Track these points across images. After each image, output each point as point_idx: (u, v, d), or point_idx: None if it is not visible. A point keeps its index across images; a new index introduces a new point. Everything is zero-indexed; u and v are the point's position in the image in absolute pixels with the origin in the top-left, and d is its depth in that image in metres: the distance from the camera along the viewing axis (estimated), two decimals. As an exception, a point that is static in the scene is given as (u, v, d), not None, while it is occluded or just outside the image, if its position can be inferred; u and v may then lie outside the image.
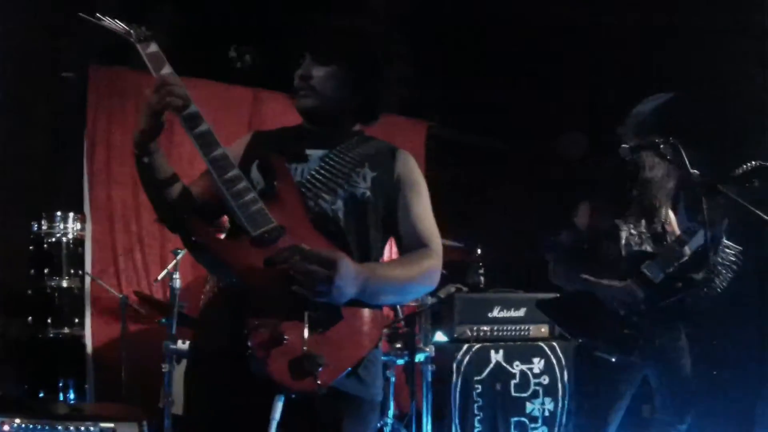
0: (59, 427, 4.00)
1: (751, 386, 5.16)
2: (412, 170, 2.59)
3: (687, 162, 3.48)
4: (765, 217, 3.45)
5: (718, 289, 3.84)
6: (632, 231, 4.08)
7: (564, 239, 4.20)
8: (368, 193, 2.46)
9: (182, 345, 4.76)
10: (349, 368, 2.22)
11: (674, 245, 3.95)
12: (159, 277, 5.36)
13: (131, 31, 2.40)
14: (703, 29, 5.37)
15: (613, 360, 3.88)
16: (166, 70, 2.33)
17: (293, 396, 2.13)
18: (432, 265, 2.45)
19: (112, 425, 4.05)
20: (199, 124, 2.30)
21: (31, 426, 3.96)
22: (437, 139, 7.41)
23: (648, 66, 5.70)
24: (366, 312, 2.30)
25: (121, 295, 5.53)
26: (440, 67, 6.61)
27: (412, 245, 2.49)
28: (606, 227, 4.09)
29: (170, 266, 5.09)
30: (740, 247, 3.88)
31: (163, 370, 4.67)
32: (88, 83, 6.06)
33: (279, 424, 2.12)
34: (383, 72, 2.56)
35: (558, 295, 4.35)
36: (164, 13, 6.06)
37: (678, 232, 4.12)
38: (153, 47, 2.37)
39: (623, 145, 3.79)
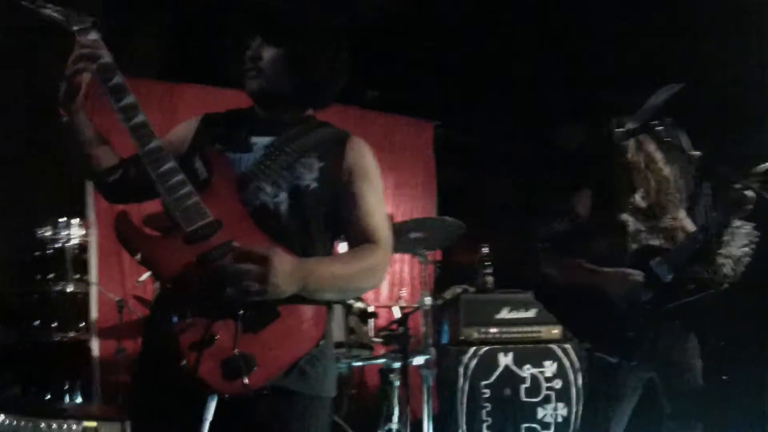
0: (42, 425, 4.10)
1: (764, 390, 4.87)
2: (364, 159, 2.45)
3: (685, 143, 3.28)
4: None
5: (739, 274, 3.59)
6: (640, 225, 3.84)
7: (561, 227, 3.96)
8: (314, 184, 2.33)
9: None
10: (284, 368, 2.15)
11: (686, 242, 3.70)
12: (141, 279, 5.28)
13: (68, 18, 2.33)
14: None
15: (614, 361, 3.67)
16: (107, 57, 2.29)
17: (226, 396, 2.08)
18: (378, 262, 2.34)
19: (94, 424, 4.12)
20: (135, 114, 2.25)
21: (15, 423, 4.04)
22: (444, 140, 7.30)
23: (647, 60, 5.51)
24: (306, 309, 2.20)
25: (117, 299, 5.49)
26: (442, 67, 6.49)
27: (359, 240, 2.37)
28: (610, 218, 3.85)
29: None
30: (753, 224, 3.62)
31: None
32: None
33: (215, 424, 2.09)
34: (333, 55, 2.46)
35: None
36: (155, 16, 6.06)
37: (690, 227, 3.87)
38: (93, 35, 2.31)
39: (617, 129, 3.60)
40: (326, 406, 2.35)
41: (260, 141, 2.40)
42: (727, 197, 3.53)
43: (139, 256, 2.16)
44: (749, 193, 3.51)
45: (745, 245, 3.62)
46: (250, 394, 2.07)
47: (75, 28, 2.30)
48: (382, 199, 2.47)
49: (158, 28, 6.15)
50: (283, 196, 2.30)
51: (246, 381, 2.04)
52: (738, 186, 3.51)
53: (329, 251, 2.45)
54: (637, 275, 3.65)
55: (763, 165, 3.53)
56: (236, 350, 2.05)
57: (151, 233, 2.25)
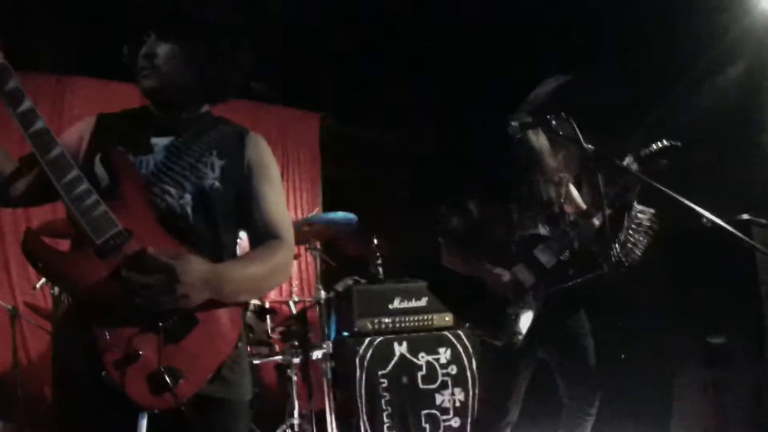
0: None
1: (664, 366, 5.06)
2: (263, 155, 2.48)
3: (580, 137, 3.40)
4: (670, 193, 3.40)
5: (636, 257, 3.75)
6: (525, 213, 3.96)
7: (456, 224, 4.07)
8: (217, 183, 2.34)
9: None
10: (210, 375, 2.15)
11: (567, 228, 3.85)
12: (38, 285, 5.15)
13: None
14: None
15: (499, 345, 3.78)
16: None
17: (156, 411, 2.06)
18: (285, 259, 2.37)
19: None
20: (34, 120, 2.17)
21: None
22: (331, 132, 7.34)
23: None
24: (222, 312, 2.21)
25: (9, 307, 5.32)
26: (335, 58, 6.52)
27: (263, 237, 2.39)
28: (497, 210, 3.97)
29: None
30: (653, 210, 3.79)
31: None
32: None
33: None
34: (229, 49, 2.43)
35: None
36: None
37: (582, 208, 4.02)
38: None
39: (512, 123, 3.70)
40: (247, 409, 2.37)
41: (160, 142, 2.38)
42: (623, 180, 3.70)
43: (47, 275, 2.15)
44: (631, 166, 3.69)
45: (640, 233, 3.80)
46: (181, 406, 2.06)
47: None
48: (282, 195, 2.50)
49: (50, 17, 5.97)
50: (188, 197, 2.30)
51: (174, 394, 2.03)
52: (631, 166, 3.69)
53: (234, 250, 2.45)
54: (505, 275, 3.78)
55: (645, 149, 3.73)
56: (161, 364, 2.04)
57: (60, 249, 2.18)
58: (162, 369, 2.03)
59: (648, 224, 3.79)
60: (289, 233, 2.41)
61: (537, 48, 5.72)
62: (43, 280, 5.04)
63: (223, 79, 2.46)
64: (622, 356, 5.36)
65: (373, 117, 6.93)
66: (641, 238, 3.78)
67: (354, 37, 6.42)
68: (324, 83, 6.90)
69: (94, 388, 2.03)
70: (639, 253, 3.77)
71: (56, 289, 4.69)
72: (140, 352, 2.03)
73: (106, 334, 2.03)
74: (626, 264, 3.78)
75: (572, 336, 3.90)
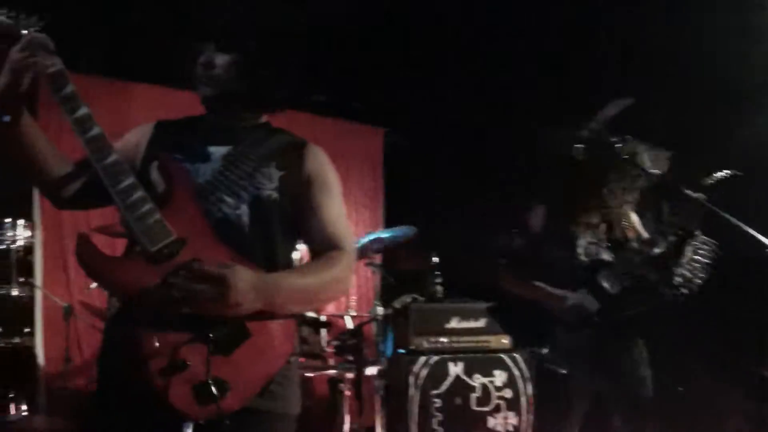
0: None
1: (720, 400, 4.93)
2: (322, 166, 2.44)
3: (646, 161, 3.29)
4: (733, 221, 3.32)
5: (695, 288, 3.61)
6: (590, 238, 3.85)
7: (515, 244, 3.98)
8: (275, 194, 2.31)
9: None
10: (258, 390, 2.12)
11: (632, 255, 3.73)
12: (92, 285, 5.17)
13: (16, 21, 2.22)
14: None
15: (563, 372, 3.68)
16: (58, 64, 2.20)
17: (200, 422, 2.05)
18: (344, 270, 2.33)
19: None
20: (90, 126, 2.17)
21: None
22: (394, 147, 7.27)
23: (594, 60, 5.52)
24: (275, 326, 2.18)
25: (65, 305, 5.37)
26: (394, 71, 6.45)
27: (323, 249, 2.34)
28: (561, 232, 3.86)
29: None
30: (716, 242, 3.66)
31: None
32: (39, 90, 5.89)
33: None
34: (285, 58, 2.42)
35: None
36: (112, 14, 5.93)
37: (644, 236, 3.90)
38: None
39: (577, 145, 3.61)
40: (293, 424, 2.33)
41: (217, 150, 2.36)
42: (686, 207, 3.58)
43: (97, 279, 2.14)
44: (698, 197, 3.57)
45: (702, 262, 3.66)
46: (224, 419, 2.03)
47: (24, 31, 2.20)
48: (342, 206, 2.45)
49: (111, 24, 6.01)
50: (244, 208, 2.27)
51: (219, 406, 2.01)
52: (693, 194, 3.56)
53: (290, 261, 2.42)
54: (572, 299, 3.69)
55: (712, 176, 3.59)
56: (209, 375, 2.01)
57: (113, 255, 2.20)
58: (209, 380, 2.01)
59: (710, 255, 3.65)
60: (349, 244, 2.37)
61: (606, 66, 5.59)
62: (97, 281, 5.06)
63: (279, 86, 2.43)
64: (680, 389, 5.20)
65: (435, 132, 6.85)
66: (702, 269, 3.65)
67: (415, 51, 6.37)
68: (386, 98, 6.84)
69: (137, 393, 2.04)
70: (699, 284, 3.63)
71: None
72: (188, 362, 2.01)
73: (155, 340, 2.02)
74: (685, 294, 3.66)
75: (630, 366, 3.79)
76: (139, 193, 2.13)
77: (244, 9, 2.41)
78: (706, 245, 3.66)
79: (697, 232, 3.63)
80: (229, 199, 2.26)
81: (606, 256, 3.83)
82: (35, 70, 2.16)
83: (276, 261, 2.30)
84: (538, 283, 3.81)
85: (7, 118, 2.20)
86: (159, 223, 2.12)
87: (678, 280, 3.63)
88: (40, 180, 2.35)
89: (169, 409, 2.01)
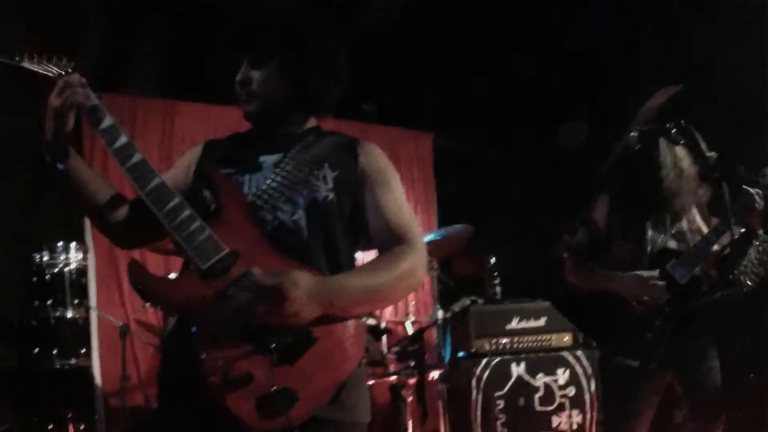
0: None
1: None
2: (377, 161, 2.40)
3: (701, 143, 3.25)
4: None
5: (750, 284, 3.57)
6: (656, 229, 3.80)
7: (581, 237, 3.92)
8: (331, 195, 2.28)
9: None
10: (328, 397, 2.07)
11: (700, 244, 3.68)
12: (147, 303, 5.17)
13: (58, 71, 2.26)
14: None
15: (635, 366, 3.62)
16: (92, 98, 2.23)
17: None
18: (413, 264, 2.24)
19: None
20: (131, 154, 2.19)
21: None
22: (443, 150, 7.24)
23: (647, 59, 5.47)
24: (343, 328, 2.13)
25: (120, 324, 5.38)
26: (439, 76, 6.45)
27: (387, 243, 2.28)
28: (628, 226, 3.81)
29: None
30: None
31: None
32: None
33: None
34: (327, 58, 2.38)
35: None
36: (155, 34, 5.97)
37: (704, 229, 3.85)
38: (77, 77, 2.25)
39: (631, 134, 3.57)
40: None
41: (268, 159, 2.34)
42: (741, 199, 3.53)
43: (153, 302, 2.14)
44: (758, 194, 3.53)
45: (764, 261, 3.61)
46: (292, 430, 1.99)
47: (57, 73, 2.24)
48: (403, 197, 2.39)
49: (157, 45, 6.06)
50: (300, 213, 2.24)
51: (288, 417, 1.97)
52: (750, 189, 3.53)
53: (352, 260, 2.37)
54: (654, 276, 3.63)
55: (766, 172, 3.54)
56: (274, 387, 1.97)
57: (166, 276, 2.25)
58: (274, 392, 1.97)
59: None
60: (415, 235, 2.30)
61: (646, 63, 5.56)
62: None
63: (320, 89, 2.39)
64: (751, 375, 5.11)
65: (483, 133, 6.84)
66: (764, 267, 3.60)
67: (461, 54, 6.36)
68: (432, 102, 6.83)
69: (200, 408, 2.02)
70: (759, 281, 3.58)
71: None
72: (252, 374, 1.97)
73: (215, 355, 1.98)
74: (750, 287, 3.60)
75: (700, 356, 3.74)
76: (186, 213, 2.13)
77: (279, 15, 2.38)
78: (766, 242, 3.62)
79: (760, 231, 3.60)
80: (284, 206, 2.24)
81: (673, 244, 3.79)
82: (74, 110, 2.19)
83: (338, 263, 2.26)
84: (603, 271, 3.75)
85: (61, 167, 2.23)
86: (209, 239, 2.11)
87: (741, 279, 3.59)
88: (99, 219, 2.37)
89: (234, 424, 1.97)
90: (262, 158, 2.34)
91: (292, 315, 1.98)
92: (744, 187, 3.47)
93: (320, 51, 2.36)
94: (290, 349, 2.03)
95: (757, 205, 3.53)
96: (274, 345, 2.00)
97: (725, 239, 3.64)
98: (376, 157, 2.40)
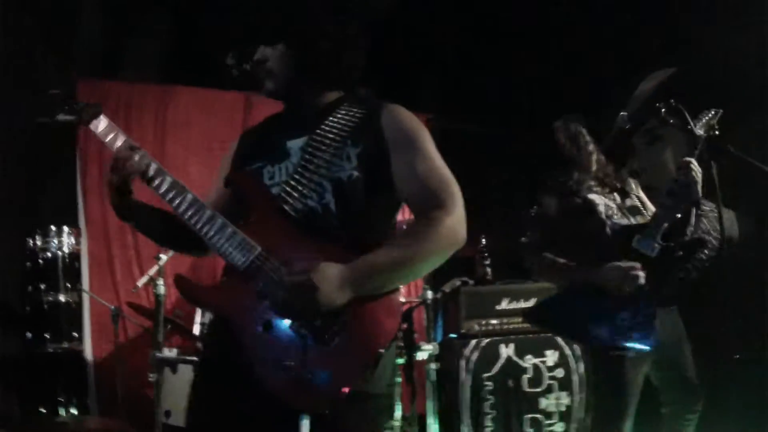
0: None
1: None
2: (403, 125, 2.38)
3: (691, 123, 3.27)
4: None
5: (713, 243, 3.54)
6: (609, 203, 3.76)
7: (534, 236, 3.84)
8: (356, 173, 2.30)
9: (170, 353, 4.63)
10: (363, 371, 2.16)
11: (660, 211, 3.55)
12: (139, 284, 5.19)
13: (81, 116, 2.44)
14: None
15: (632, 355, 3.57)
16: (120, 140, 2.39)
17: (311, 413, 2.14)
18: (447, 228, 2.23)
19: None
20: (164, 180, 2.34)
21: (12, 440, 3.97)
22: (438, 131, 7.27)
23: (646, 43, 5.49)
24: (375, 305, 2.19)
25: (112, 307, 5.41)
26: (434, 55, 6.46)
27: (422, 209, 2.29)
28: (580, 204, 3.73)
29: (152, 272, 4.96)
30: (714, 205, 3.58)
31: (150, 379, 4.55)
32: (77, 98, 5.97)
33: None
34: (335, 30, 2.40)
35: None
36: (150, 20, 6.01)
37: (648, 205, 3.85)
38: (103, 122, 2.42)
39: (621, 113, 3.58)
40: (386, 403, 2.36)
41: (295, 144, 2.38)
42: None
43: (208, 310, 2.28)
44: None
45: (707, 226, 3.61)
46: (332, 407, 2.11)
47: (87, 120, 2.43)
48: (435, 155, 2.37)
49: (153, 30, 6.11)
50: (329, 197, 2.28)
51: (325, 395, 2.10)
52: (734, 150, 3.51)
53: (387, 230, 2.42)
54: (635, 266, 3.46)
55: None
56: (311, 370, 2.11)
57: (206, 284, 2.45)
58: (312, 373, 2.11)
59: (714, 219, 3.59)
60: (450, 196, 2.28)
61: (640, 50, 5.57)
62: (143, 280, 5.11)
63: (332, 59, 2.41)
64: (736, 356, 5.13)
65: (479, 115, 6.85)
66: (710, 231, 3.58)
67: (456, 35, 6.38)
68: (427, 83, 6.85)
69: (244, 394, 2.16)
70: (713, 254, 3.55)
71: (159, 288, 4.73)
72: (291, 362, 2.12)
73: (257, 344, 2.15)
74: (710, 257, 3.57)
75: (674, 336, 3.72)
76: (218, 222, 2.27)
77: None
78: (706, 206, 3.58)
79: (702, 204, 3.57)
80: (312, 193, 2.28)
81: (626, 221, 3.71)
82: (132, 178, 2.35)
83: (374, 237, 2.29)
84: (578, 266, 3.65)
85: (132, 223, 2.46)
86: (242, 242, 2.23)
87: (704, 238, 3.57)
88: (169, 247, 2.82)
89: (277, 405, 2.11)
90: (290, 143, 2.39)
91: (325, 305, 2.09)
92: (738, 154, 3.44)
93: (324, 23, 2.39)
94: (323, 332, 2.14)
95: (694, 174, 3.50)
96: (303, 330, 2.14)
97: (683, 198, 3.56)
98: (400, 120, 2.38)
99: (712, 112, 3.54)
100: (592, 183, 3.77)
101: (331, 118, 2.40)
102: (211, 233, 2.25)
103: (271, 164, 2.38)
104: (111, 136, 2.39)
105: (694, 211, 3.55)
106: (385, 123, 2.37)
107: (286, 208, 2.28)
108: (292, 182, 2.31)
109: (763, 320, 4.83)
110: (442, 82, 6.97)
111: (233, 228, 2.24)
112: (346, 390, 2.09)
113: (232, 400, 2.22)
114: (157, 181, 2.33)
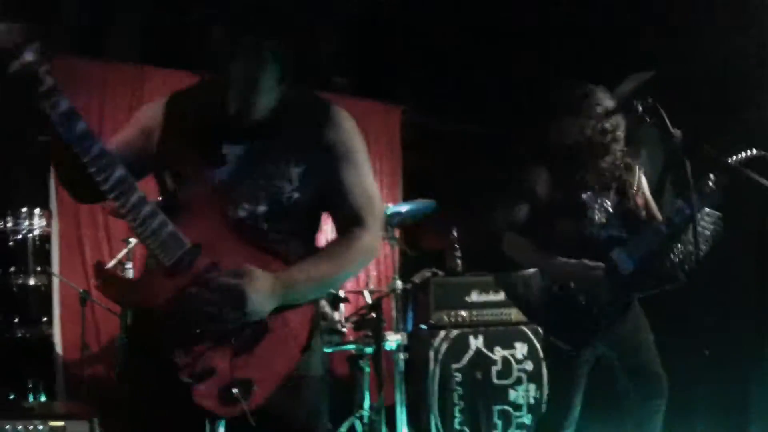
0: (7, 427, 4.03)
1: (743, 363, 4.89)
2: (346, 139, 2.34)
3: (668, 122, 3.27)
4: (761, 180, 3.31)
5: (696, 260, 3.55)
6: (600, 208, 3.77)
7: (520, 214, 3.86)
8: (296, 195, 2.25)
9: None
10: (281, 381, 2.15)
11: (649, 234, 3.67)
12: (107, 267, 5.14)
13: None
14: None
15: (567, 348, 3.65)
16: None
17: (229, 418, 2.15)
18: (366, 244, 2.31)
19: (62, 423, 4.06)
20: (93, 142, 2.09)
21: (-22, 425, 3.96)
22: (411, 124, 7.25)
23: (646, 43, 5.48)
24: (291, 315, 2.19)
25: (81, 290, 5.35)
26: (413, 50, 6.44)
27: (346, 227, 2.32)
28: (571, 202, 3.78)
29: (120, 255, 4.92)
30: (719, 213, 3.64)
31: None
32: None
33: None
34: (303, 27, 2.31)
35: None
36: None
37: (652, 207, 3.87)
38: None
39: (598, 110, 3.60)
40: (321, 385, 2.33)
41: (233, 151, 2.26)
42: (698, 187, 3.54)
43: (121, 303, 2.20)
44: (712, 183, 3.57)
45: (708, 235, 3.62)
46: (252, 413, 2.08)
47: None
48: (368, 173, 2.37)
49: (128, 11, 6.06)
50: (262, 209, 2.22)
51: (245, 406, 2.07)
52: (710, 179, 3.56)
53: (314, 244, 2.40)
54: (599, 269, 3.62)
55: (741, 153, 3.56)
56: (234, 377, 2.09)
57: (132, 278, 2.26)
58: (234, 382, 2.08)
59: (712, 227, 3.63)
60: (372, 216, 2.32)
61: (624, 48, 5.57)
62: (112, 263, 5.07)
63: (304, 56, 2.32)
64: (706, 352, 5.15)
65: (452, 109, 6.85)
66: (705, 241, 3.61)
67: (434, 30, 6.36)
68: (403, 76, 6.83)
69: (168, 400, 2.12)
70: (702, 256, 3.57)
71: (128, 272, 4.70)
72: (214, 367, 2.09)
73: (182, 351, 2.09)
74: (690, 269, 3.62)
75: (633, 332, 3.76)
76: (147, 208, 2.11)
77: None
78: (709, 216, 3.64)
79: (707, 210, 3.63)
80: (246, 204, 2.21)
81: (615, 231, 3.75)
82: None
83: (301, 250, 2.28)
84: (549, 255, 3.72)
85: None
86: (172, 235, 2.13)
87: (679, 256, 3.61)
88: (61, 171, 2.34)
89: (201, 413, 2.10)
90: (227, 148, 2.26)
91: (252, 313, 2.08)
92: (708, 150, 3.46)
93: (295, 19, 2.29)
94: (247, 340, 2.12)
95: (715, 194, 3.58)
96: (233, 339, 2.11)
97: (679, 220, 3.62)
98: (344, 133, 2.34)
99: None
100: (593, 177, 3.79)
101: (275, 127, 2.31)
102: (139, 220, 2.10)
103: (207, 163, 2.24)
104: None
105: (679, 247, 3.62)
106: (331, 139, 2.32)
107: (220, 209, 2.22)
108: (227, 188, 2.22)
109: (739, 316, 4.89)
110: (416, 75, 6.95)
111: (164, 218, 2.12)
112: (259, 401, 2.10)
113: (153, 399, 2.20)
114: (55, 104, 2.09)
